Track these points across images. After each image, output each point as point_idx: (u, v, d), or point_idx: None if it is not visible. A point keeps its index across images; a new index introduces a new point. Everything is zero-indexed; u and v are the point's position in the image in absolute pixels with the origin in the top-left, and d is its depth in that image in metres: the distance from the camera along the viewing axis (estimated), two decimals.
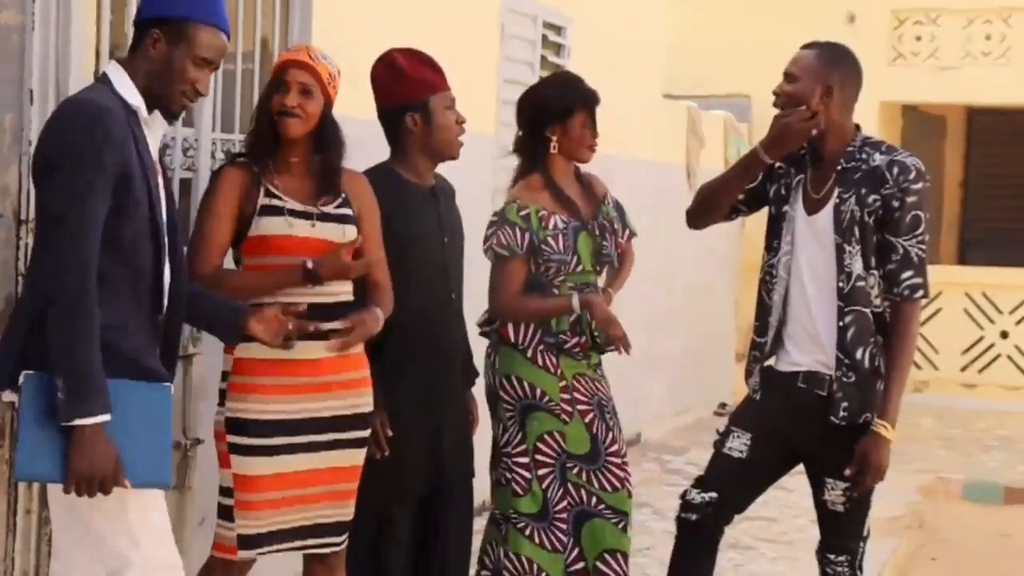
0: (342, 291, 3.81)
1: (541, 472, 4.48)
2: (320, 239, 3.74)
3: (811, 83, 3.97)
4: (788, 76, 4.03)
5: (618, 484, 4.53)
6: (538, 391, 4.48)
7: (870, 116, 11.45)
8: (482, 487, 4.55)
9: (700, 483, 4.17)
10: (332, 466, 3.77)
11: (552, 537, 4.48)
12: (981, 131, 14.80)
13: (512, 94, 4.88)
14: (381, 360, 4.04)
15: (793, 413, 4.08)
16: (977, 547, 7.57)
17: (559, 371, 4.50)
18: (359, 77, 4.28)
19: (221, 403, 3.76)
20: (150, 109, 3.23)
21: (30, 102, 3.70)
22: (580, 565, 4.53)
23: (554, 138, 4.52)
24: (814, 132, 3.98)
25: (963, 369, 12.63)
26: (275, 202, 3.74)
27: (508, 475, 4.49)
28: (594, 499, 4.53)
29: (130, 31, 4.13)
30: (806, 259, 4.04)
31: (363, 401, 3.83)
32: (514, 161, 4.69)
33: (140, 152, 3.15)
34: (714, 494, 4.12)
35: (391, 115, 4.19)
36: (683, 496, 4.18)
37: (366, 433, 3.85)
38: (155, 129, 3.27)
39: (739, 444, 4.13)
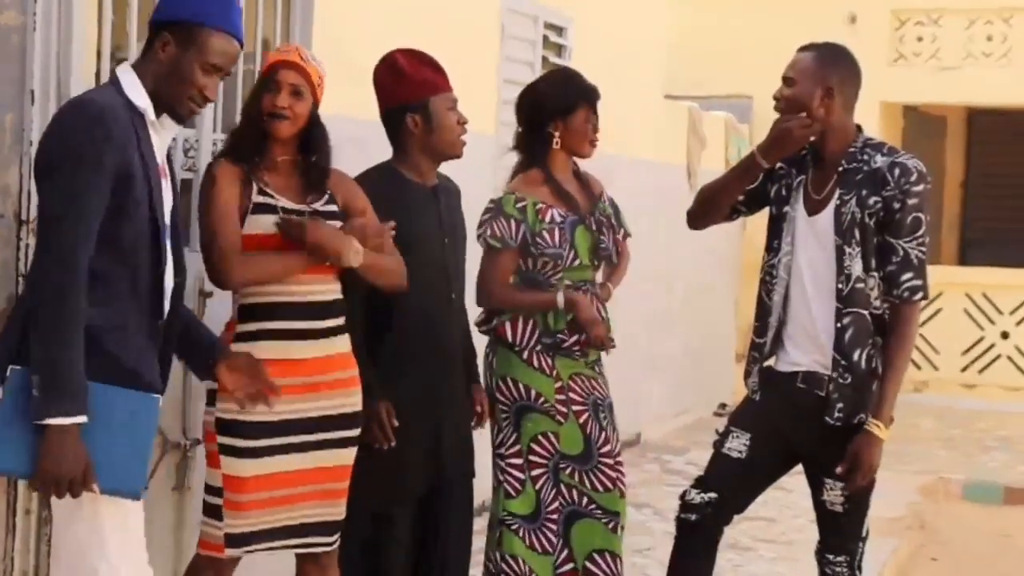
0: (331, 289, 3.80)
1: (534, 473, 4.49)
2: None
3: (811, 86, 3.98)
4: (787, 80, 4.03)
5: (610, 484, 4.54)
6: (533, 392, 4.49)
7: (871, 116, 11.45)
8: (482, 488, 4.55)
9: (700, 483, 4.17)
10: (321, 466, 3.76)
11: (542, 538, 4.49)
12: (982, 131, 14.80)
13: (512, 94, 4.88)
14: (381, 359, 4.04)
15: (792, 413, 4.08)
16: (977, 547, 7.58)
17: (554, 372, 4.51)
18: (360, 77, 4.29)
19: (210, 403, 3.73)
20: (158, 112, 3.22)
21: (31, 102, 3.70)
22: (569, 566, 4.54)
23: (556, 133, 4.54)
24: (812, 138, 3.99)
25: (963, 369, 12.63)
26: (268, 200, 3.73)
27: (501, 476, 4.50)
28: (585, 499, 4.54)
29: (131, 31, 4.16)
30: (806, 260, 4.04)
31: (351, 401, 3.82)
32: (514, 161, 4.70)
33: (143, 153, 3.14)
34: (714, 494, 4.12)
35: (392, 116, 4.20)
36: (683, 496, 4.19)
37: (355, 432, 3.83)
38: (164, 132, 3.26)
39: (739, 444, 4.13)
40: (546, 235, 4.46)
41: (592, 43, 7.71)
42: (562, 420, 4.52)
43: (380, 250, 3.82)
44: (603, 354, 4.66)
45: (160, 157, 3.24)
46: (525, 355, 4.50)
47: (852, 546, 4.11)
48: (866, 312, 3.97)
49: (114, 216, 3.07)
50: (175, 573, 4.34)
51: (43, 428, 2.97)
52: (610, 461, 4.56)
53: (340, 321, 3.81)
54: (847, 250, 3.95)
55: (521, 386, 4.50)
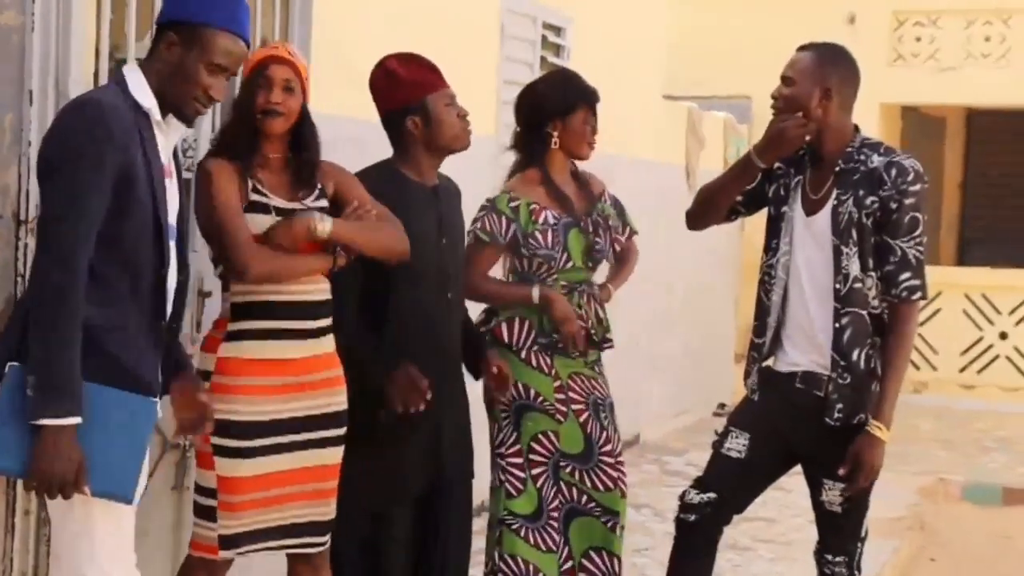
0: (322, 289, 3.80)
1: (535, 472, 4.50)
2: None
3: (809, 86, 3.97)
4: (786, 80, 4.03)
5: (610, 484, 4.55)
6: (532, 392, 4.50)
7: (870, 117, 11.45)
8: (481, 487, 4.55)
9: (699, 484, 4.17)
10: (311, 465, 3.76)
11: (546, 537, 4.49)
12: (981, 132, 14.80)
13: (512, 95, 4.88)
14: (379, 357, 4.05)
15: (791, 414, 4.08)
16: (977, 548, 7.58)
17: (553, 371, 4.52)
18: (359, 78, 4.28)
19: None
20: (164, 112, 3.21)
21: (30, 102, 3.70)
22: (568, 564, 4.55)
23: (555, 134, 4.54)
24: (808, 138, 3.98)
25: (962, 370, 12.62)
26: (261, 199, 3.72)
27: (502, 476, 4.50)
28: (585, 497, 4.54)
29: (130, 31, 4.15)
30: (804, 260, 4.04)
31: (336, 400, 3.81)
32: (512, 160, 4.70)
33: (147, 153, 3.13)
34: (713, 495, 4.12)
35: (392, 119, 4.19)
36: (682, 497, 4.19)
37: (341, 432, 3.82)
38: (170, 132, 3.25)
39: (738, 445, 4.13)
40: (539, 236, 4.47)
41: (591, 43, 7.71)
42: (562, 419, 4.52)
43: (380, 218, 3.80)
44: (603, 354, 4.66)
45: (165, 157, 3.22)
46: (523, 355, 4.51)
47: (851, 546, 4.11)
48: (864, 312, 3.97)
49: (115, 216, 3.06)
50: (173, 572, 4.33)
51: (38, 428, 2.96)
52: (611, 460, 4.56)
53: (329, 321, 3.82)
54: (844, 250, 3.95)
55: (520, 385, 4.50)
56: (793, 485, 4.55)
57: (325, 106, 5.05)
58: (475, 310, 4.58)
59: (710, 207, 4.28)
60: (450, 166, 4.34)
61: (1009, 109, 13.53)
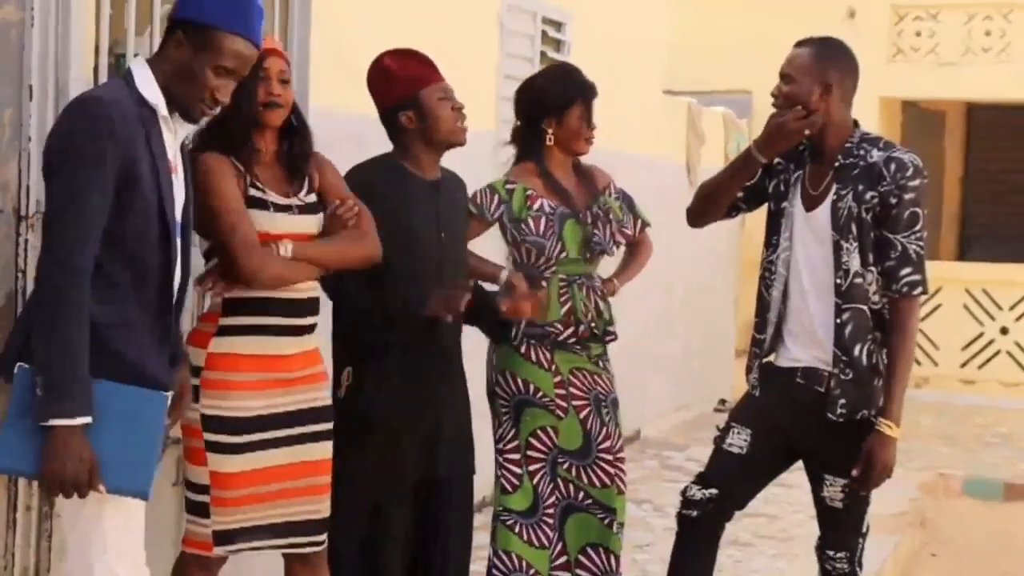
0: (312, 287, 3.81)
1: (532, 468, 4.50)
2: (300, 233, 3.74)
3: (809, 82, 3.97)
4: (785, 77, 4.02)
5: (607, 480, 4.55)
6: (531, 387, 4.50)
7: (870, 112, 11.45)
8: (483, 484, 4.54)
9: (700, 479, 4.17)
10: (302, 460, 3.75)
11: (540, 533, 4.50)
12: (981, 127, 14.81)
13: (512, 90, 4.87)
14: (375, 351, 4.05)
15: (792, 409, 4.08)
16: (978, 544, 7.59)
17: (553, 366, 4.52)
18: (359, 75, 4.28)
19: (195, 399, 3.67)
20: (171, 109, 3.19)
21: (29, 98, 3.70)
22: (563, 559, 4.55)
23: (549, 130, 4.55)
24: (807, 132, 3.98)
25: (963, 365, 12.62)
26: (259, 194, 3.71)
27: (499, 471, 4.50)
28: (581, 494, 4.55)
29: (129, 27, 4.15)
30: (804, 255, 4.04)
31: (321, 395, 3.82)
32: (511, 155, 4.71)
33: (153, 150, 3.11)
34: (714, 490, 4.12)
35: (388, 116, 4.20)
36: (684, 492, 4.19)
37: (329, 426, 3.83)
38: (177, 127, 3.23)
39: (739, 440, 4.13)
40: (531, 222, 4.48)
41: (591, 39, 7.71)
42: (562, 415, 4.52)
43: (358, 227, 3.82)
44: (609, 349, 4.66)
45: (171, 152, 3.21)
46: (523, 349, 4.51)
47: (852, 542, 4.11)
48: (865, 307, 3.97)
49: (119, 214, 3.05)
50: None
51: (48, 429, 2.95)
52: (609, 457, 4.56)
53: (316, 319, 3.83)
54: (844, 245, 3.95)
55: (520, 380, 4.50)
56: (795, 481, 4.54)
57: (325, 103, 5.06)
58: None
59: (710, 204, 4.27)
60: (449, 161, 4.33)
61: (1009, 104, 13.53)
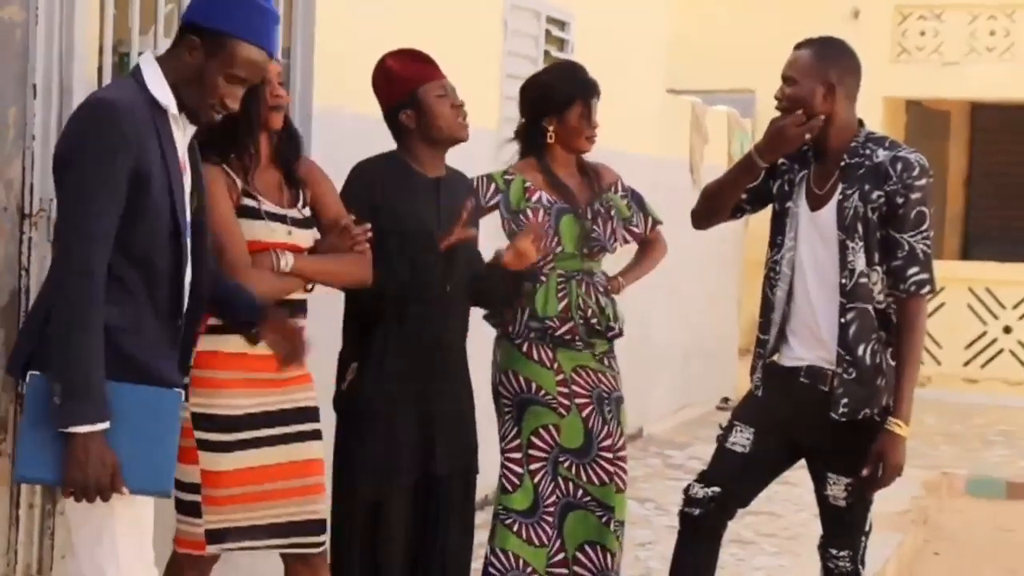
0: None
1: (533, 467, 4.50)
2: (293, 244, 3.75)
3: (811, 83, 3.96)
4: (787, 80, 4.01)
5: (606, 478, 4.55)
6: (534, 385, 4.51)
7: (874, 112, 11.44)
8: (487, 483, 4.55)
9: (703, 478, 4.17)
10: (293, 460, 3.74)
11: (539, 531, 4.50)
12: (985, 127, 14.79)
13: (515, 89, 4.88)
14: (372, 346, 4.05)
15: (795, 408, 4.08)
16: (980, 542, 7.59)
17: (555, 364, 4.52)
18: (362, 75, 4.29)
19: (184, 399, 3.70)
20: (179, 109, 3.17)
21: (33, 97, 3.70)
22: (560, 556, 4.55)
23: (551, 128, 4.55)
24: (808, 136, 3.98)
25: (966, 364, 12.62)
26: (252, 203, 3.71)
27: (501, 470, 4.50)
28: (580, 491, 4.55)
29: (134, 26, 4.15)
30: (809, 255, 4.03)
31: (308, 395, 3.82)
32: (513, 153, 4.72)
33: (164, 151, 3.09)
34: (717, 489, 4.12)
35: (390, 117, 4.21)
36: (686, 491, 4.19)
37: (317, 426, 3.83)
38: (187, 126, 3.21)
39: (742, 439, 4.13)
40: (529, 213, 4.50)
41: (594, 38, 7.71)
42: (564, 413, 4.53)
43: (362, 251, 3.87)
44: (615, 345, 4.66)
45: (182, 151, 3.19)
46: (524, 348, 4.52)
47: (855, 540, 4.11)
48: (869, 307, 3.97)
49: (130, 218, 3.03)
50: None
51: (68, 435, 2.94)
52: (609, 455, 4.56)
53: (304, 321, 3.84)
54: (850, 245, 3.95)
55: (522, 379, 4.51)
56: (797, 479, 4.55)
57: (329, 104, 5.07)
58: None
59: (715, 206, 4.28)
60: (451, 160, 4.34)
61: (1014, 103, 13.52)
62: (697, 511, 4.14)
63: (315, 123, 5.07)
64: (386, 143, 4.26)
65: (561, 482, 4.55)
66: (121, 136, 2.99)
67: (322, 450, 3.83)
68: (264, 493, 3.70)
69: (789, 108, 4.00)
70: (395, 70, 4.16)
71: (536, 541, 4.50)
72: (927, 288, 3.95)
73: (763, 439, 4.11)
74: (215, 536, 3.67)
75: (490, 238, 4.59)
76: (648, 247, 4.90)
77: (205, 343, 3.64)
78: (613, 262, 4.87)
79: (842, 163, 4.00)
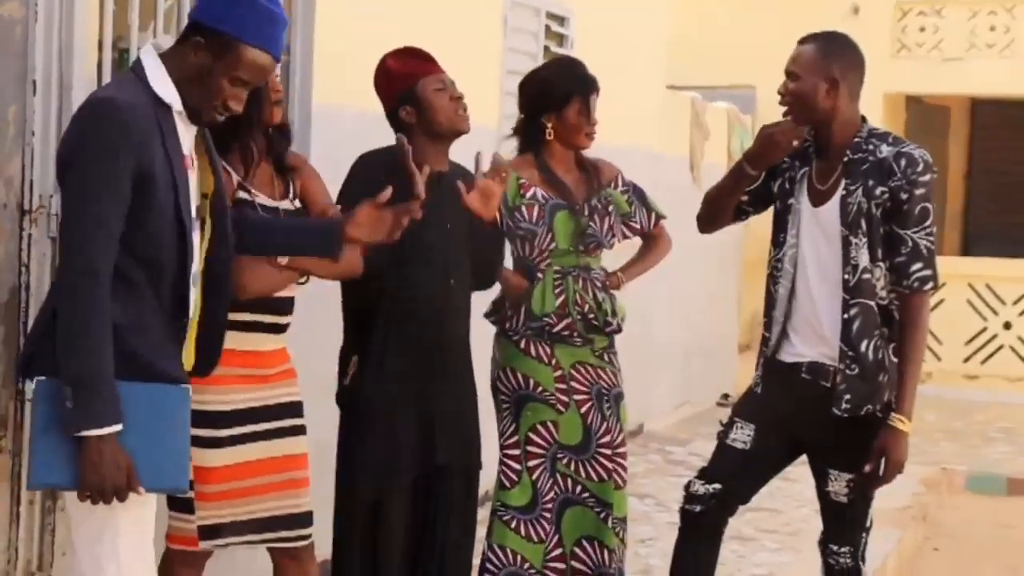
0: (291, 287, 3.83)
1: (531, 463, 4.50)
2: None
3: (814, 79, 3.96)
4: (790, 75, 4.01)
5: (604, 475, 4.55)
6: (531, 382, 4.51)
7: (874, 108, 11.43)
8: (486, 479, 4.54)
9: (704, 474, 4.17)
10: (281, 455, 3.77)
11: (537, 527, 4.51)
12: (985, 123, 14.78)
13: (515, 86, 4.88)
14: (372, 342, 4.05)
15: (796, 404, 4.08)
16: (980, 538, 7.59)
17: (554, 361, 4.52)
18: (362, 73, 4.29)
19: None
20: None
21: (33, 93, 3.70)
22: (558, 551, 4.55)
23: (549, 124, 4.55)
24: (795, 144, 3.98)
25: (966, 360, 12.63)
26: (247, 196, 3.71)
27: (500, 466, 4.50)
28: (579, 488, 4.55)
29: (133, 22, 4.15)
30: (811, 251, 4.03)
31: (293, 391, 3.84)
32: (513, 148, 4.72)
33: (168, 149, 3.06)
34: (718, 485, 4.12)
35: (392, 115, 4.21)
36: (687, 487, 4.19)
37: (302, 421, 3.85)
38: (191, 124, 3.18)
39: (742, 435, 4.13)
40: (524, 209, 4.50)
41: (594, 34, 7.70)
42: (562, 409, 4.52)
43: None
44: (616, 341, 4.66)
45: (187, 147, 3.17)
46: (523, 344, 4.52)
47: (856, 537, 4.11)
48: (872, 303, 3.96)
49: (135, 215, 3.01)
50: None
51: (81, 439, 2.93)
52: (608, 452, 4.56)
53: (291, 318, 3.86)
54: (854, 240, 3.94)
55: (520, 376, 4.51)
56: (798, 475, 4.55)
57: (329, 102, 5.07)
58: (484, 302, 4.58)
59: (715, 211, 4.28)
60: (452, 156, 4.33)
61: (1014, 99, 13.52)
62: (698, 508, 4.14)
63: (315, 122, 5.06)
64: (385, 141, 4.25)
65: (559, 478, 4.55)
66: (123, 135, 2.97)
67: (307, 444, 3.85)
68: (252, 488, 3.72)
69: (792, 103, 4.00)
70: (394, 68, 4.17)
71: (534, 537, 4.50)
72: (930, 284, 3.95)
73: (764, 436, 4.11)
74: (208, 532, 3.67)
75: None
76: (652, 242, 4.89)
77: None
78: (617, 257, 4.87)
79: (845, 159, 3.99)
